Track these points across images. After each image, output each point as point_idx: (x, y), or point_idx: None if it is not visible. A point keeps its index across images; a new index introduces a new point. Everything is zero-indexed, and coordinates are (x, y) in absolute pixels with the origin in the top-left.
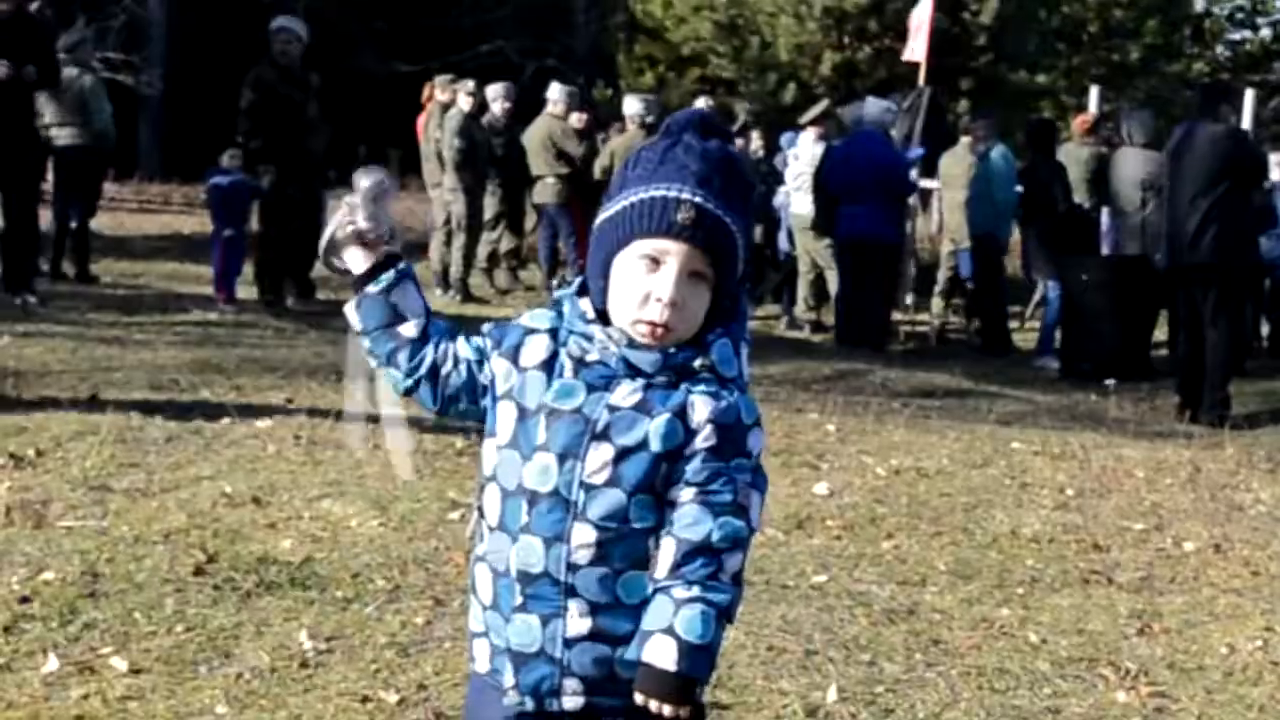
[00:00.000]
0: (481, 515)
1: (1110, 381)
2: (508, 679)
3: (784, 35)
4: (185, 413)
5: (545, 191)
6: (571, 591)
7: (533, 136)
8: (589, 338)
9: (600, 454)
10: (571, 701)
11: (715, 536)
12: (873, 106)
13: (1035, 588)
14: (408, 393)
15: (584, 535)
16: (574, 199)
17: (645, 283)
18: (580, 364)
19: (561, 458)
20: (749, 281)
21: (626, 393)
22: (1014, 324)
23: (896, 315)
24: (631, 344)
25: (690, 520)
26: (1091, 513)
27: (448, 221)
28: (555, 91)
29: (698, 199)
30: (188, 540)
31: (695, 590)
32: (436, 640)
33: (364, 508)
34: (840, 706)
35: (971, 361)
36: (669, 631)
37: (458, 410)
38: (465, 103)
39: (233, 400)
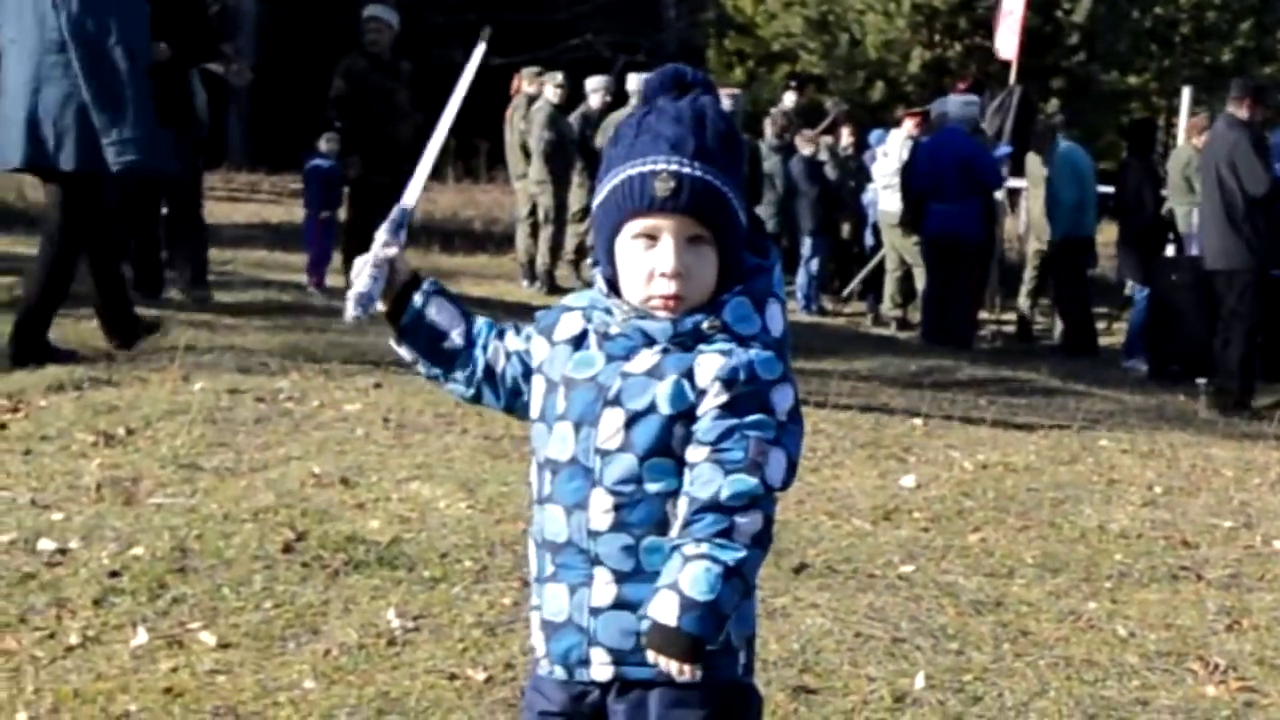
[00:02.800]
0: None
1: (1201, 381)
2: (540, 648)
3: (873, 32)
4: (274, 395)
5: None
6: (596, 560)
7: (610, 128)
8: (610, 311)
9: (612, 419)
10: (601, 672)
11: (725, 494)
12: (954, 102)
13: (1123, 582)
14: (474, 401)
15: (602, 501)
16: None
17: (646, 260)
18: (604, 337)
19: (578, 425)
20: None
21: (643, 360)
22: (1102, 325)
23: (982, 314)
24: (642, 315)
25: (702, 479)
26: (1180, 510)
27: (533, 213)
28: (636, 82)
29: (673, 166)
30: (276, 519)
31: (704, 547)
32: (524, 620)
33: (452, 490)
34: (928, 694)
35: (1058, 361)
36: (673, 587)
37: (523, 402)
38: (553, 95)
39: (321, 384)
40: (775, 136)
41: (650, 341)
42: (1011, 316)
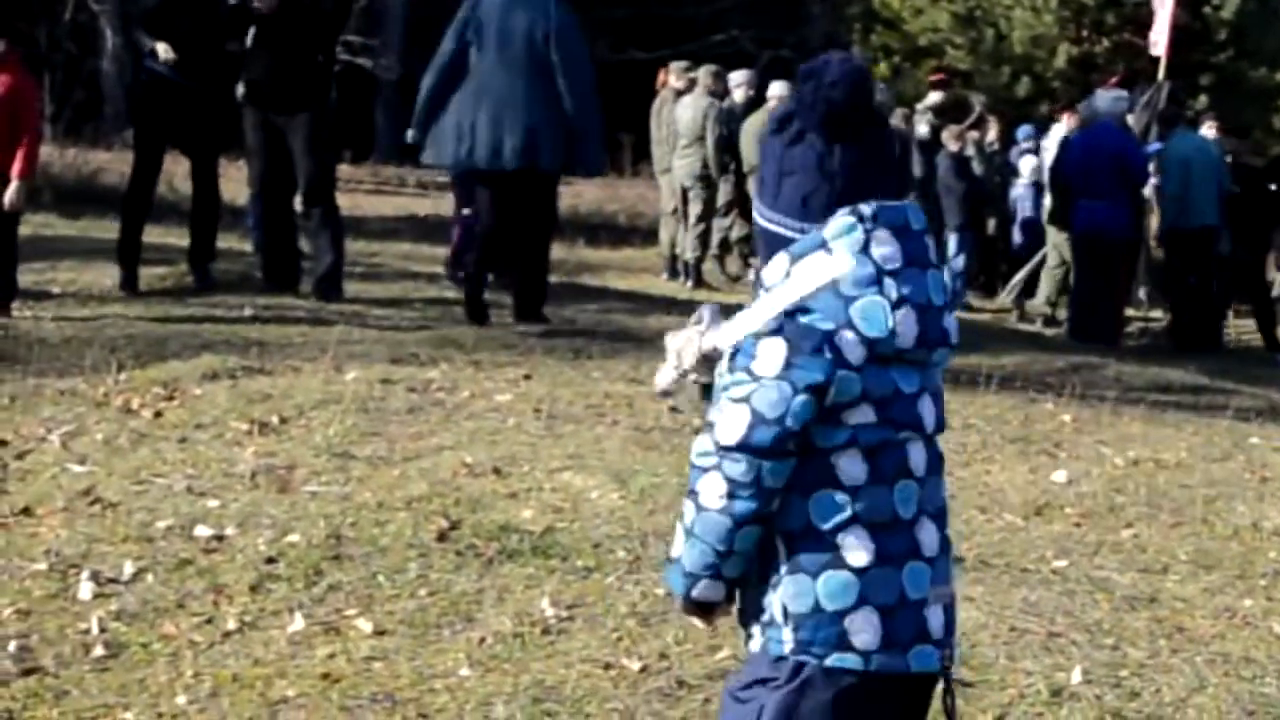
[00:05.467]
0: None
1: None
2: None
3: (1020, 27)
4: (425, 385)
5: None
6: None
7: (748, 130)
8: None
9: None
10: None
11: (694, 455)
12: (1104, 98)
13: (1278, 580)
14: None
15: None
16: None
17: None
18: None
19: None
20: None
21: None
22: (1249, 322)
23: (1129, 311)
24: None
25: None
26: None
27: (676, 208)
28: (777, 88)
29: None
30: (430, 508)
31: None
32: (678, 611)
33: (604, 480)
34: (1085, 688)
35: (1207, 358)
36: None
37: None
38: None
39: (471, 374)
40: (928, 133)
41: None
42: (1158, 313)
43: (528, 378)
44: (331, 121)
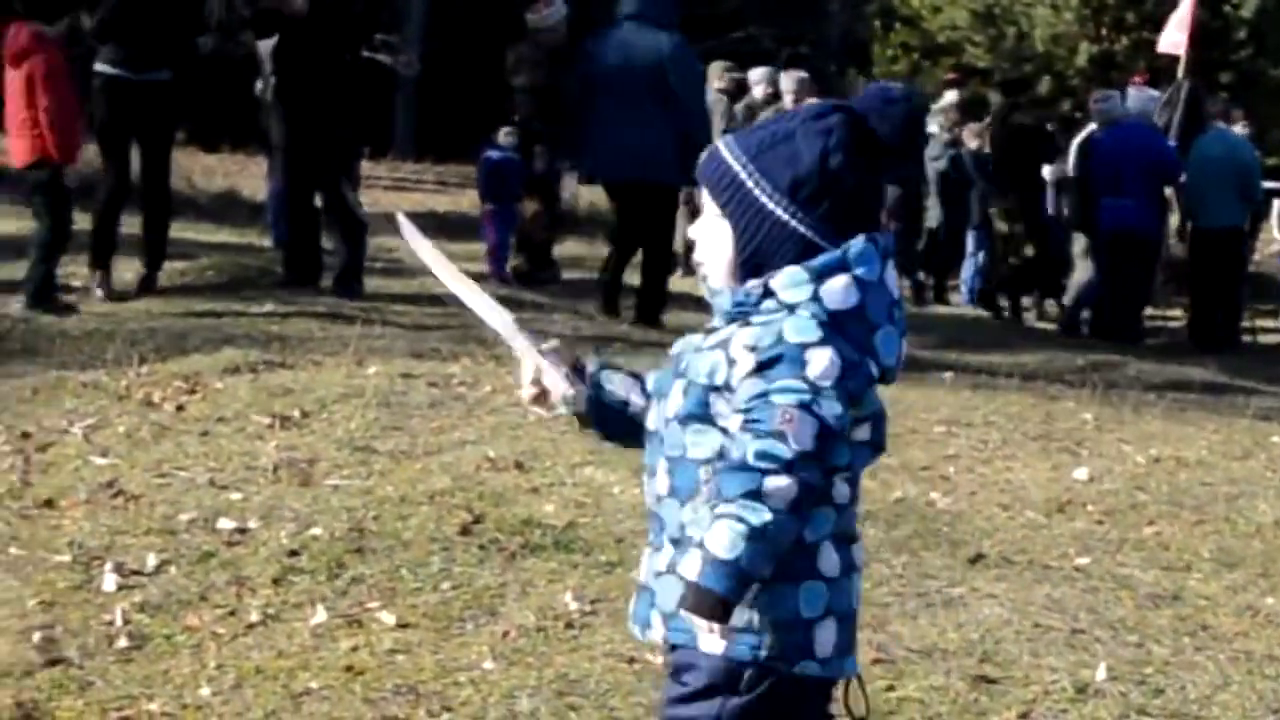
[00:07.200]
0: None
1: None
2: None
3: (1040, 25)
4: (446, 379)
5: None
6: (662, 525)
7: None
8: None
9: (676, 390)
10: (656, 633)
11: (751, 456)
12: (1134, 96)
13: None
14: None
15: (662, 467)
16: None
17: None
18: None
19: (659, 397)
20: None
21: (713, 336)
22: (1268, 322)
23: (1148, 310)
24: (715, 292)
25: (734, 443)
26: None
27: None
28: (788, 81)
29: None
30: (452, 501)
31: (730, 507)
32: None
33: (626, 475)
34: (1110, 685)
35: (1228, 357)
36: (700, 545)
37: None
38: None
39: (492, 369)
40: (945, 131)
41: (724, 317)
42: (1177, 312)
43: None
44: (358, 120)
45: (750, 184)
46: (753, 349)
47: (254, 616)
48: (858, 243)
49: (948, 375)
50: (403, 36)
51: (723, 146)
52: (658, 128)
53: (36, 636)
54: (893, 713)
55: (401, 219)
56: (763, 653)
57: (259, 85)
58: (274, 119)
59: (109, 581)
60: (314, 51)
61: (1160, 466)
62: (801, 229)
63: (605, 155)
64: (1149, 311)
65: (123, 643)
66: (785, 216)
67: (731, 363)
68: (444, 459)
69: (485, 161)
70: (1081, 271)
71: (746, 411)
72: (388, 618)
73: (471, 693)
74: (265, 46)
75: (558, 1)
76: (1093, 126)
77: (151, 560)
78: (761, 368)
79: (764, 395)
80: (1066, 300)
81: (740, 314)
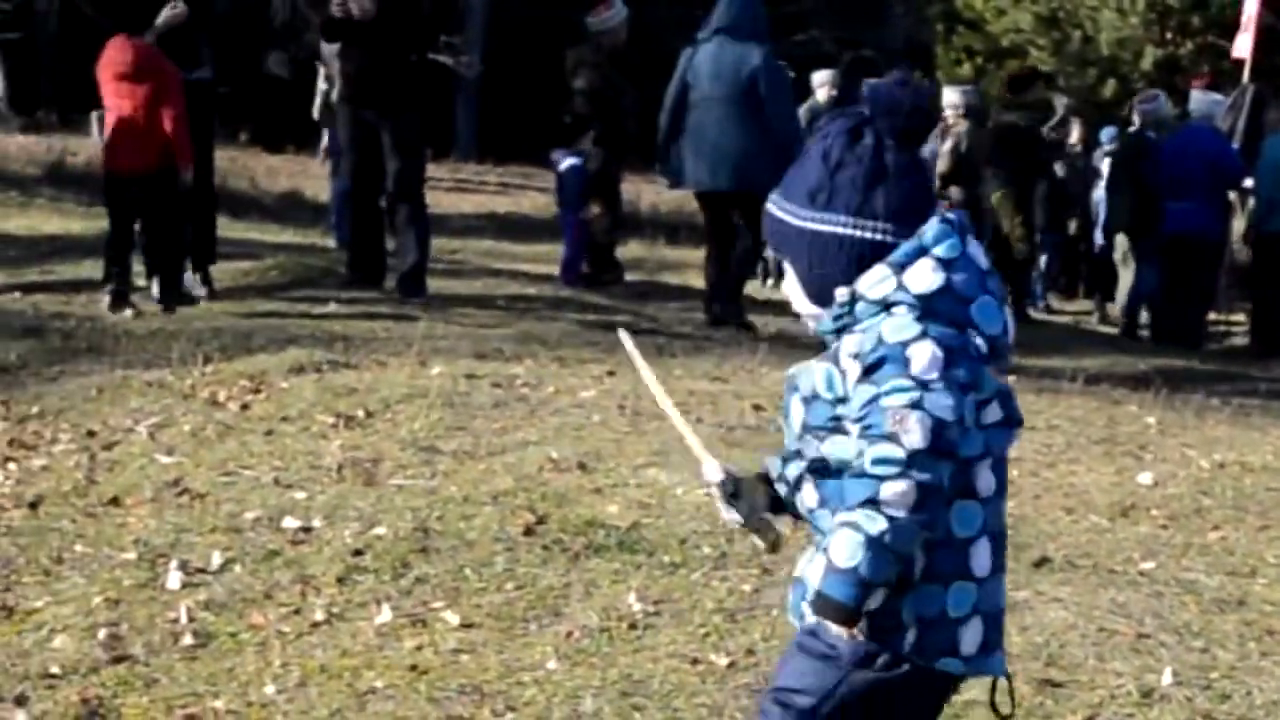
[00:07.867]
0: None
1: None
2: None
3: (1106, 29)
4: (510, 380)
5: None
6: (818, 530)
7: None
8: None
9: (796, 407)
10: (803, 624)
11: (868, 463)
12: (1198, 99)
13: None
14: None
15: (808, 481)
16: None
17: None
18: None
19: (785, 415)
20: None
21: (824, 353)
22: None
23: (1211, 314)
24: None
25: (855, 451)
26: None
27: None
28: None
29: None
30: (516, 502)
31: (850, 515)
32: (764, 607)
33: (689, 477)
34: (1176, 690)
35: None
36: (825, 552)
37: None
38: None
39: (555, 370)
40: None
41: (832, 337)
42: (1240, 317)
43: (611, 374)
44: (423, 121)
45: (781, 214)
46: (856, 355)
47: (319, 615)
48: (931, 225)
49: (1010, 379)
50: (464, 38)
51: (769, 203)
52: (750, 138)
53: (102, 634)
54: (958, 716)
55: (624, 335)
56: (906, 648)
57: (322, 86)
58: (340, 120)
59: (174, 579)
60: (381, 53)
61: (1225, 471)
62: (838, 230)
63: (698, 165)
64: (1212, 316)
65: (188, 640)
66: (813, 226)
67: (843, 373)
68: (507, 459)
69: (572, 170)
70: (1127, 275)
71: (861, 419)
72: (452, 617)
73: (535, 693)
74: (329, 49)
75: (618, 4)
76: (1134, 125)
77: (216, 558)
78: (868, 372)
79: (874, 400)
80: (1118, 306)
81: (842, 326)
